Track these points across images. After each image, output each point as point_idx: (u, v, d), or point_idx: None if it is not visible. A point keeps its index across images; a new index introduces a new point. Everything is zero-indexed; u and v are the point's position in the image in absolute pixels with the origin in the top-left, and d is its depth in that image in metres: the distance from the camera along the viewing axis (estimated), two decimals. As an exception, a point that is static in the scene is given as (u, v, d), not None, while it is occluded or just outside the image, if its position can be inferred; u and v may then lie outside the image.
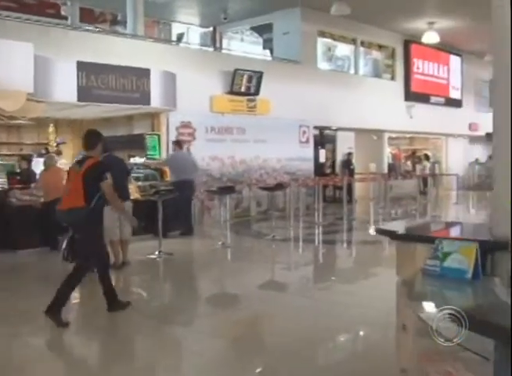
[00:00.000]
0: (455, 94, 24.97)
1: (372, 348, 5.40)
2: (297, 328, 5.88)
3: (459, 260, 2.87)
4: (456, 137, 26.08)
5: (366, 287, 8.08)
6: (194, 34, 21.03)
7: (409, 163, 24.89)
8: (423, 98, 22.70)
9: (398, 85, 22.05)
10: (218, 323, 6.36)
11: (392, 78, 22.12)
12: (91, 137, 6.50)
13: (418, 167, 23.66)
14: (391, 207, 18.04)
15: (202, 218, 14.45)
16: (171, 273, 9.28)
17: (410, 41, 21.95)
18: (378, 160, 21.89)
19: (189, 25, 20.58)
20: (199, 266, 10.02)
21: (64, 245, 7.90)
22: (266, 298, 7.39)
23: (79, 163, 6.32)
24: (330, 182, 17.78)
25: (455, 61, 24.84)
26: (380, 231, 3.78)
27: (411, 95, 22.17)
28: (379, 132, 21.70)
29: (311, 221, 14.67)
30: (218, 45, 20.07)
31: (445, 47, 23.18)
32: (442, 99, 23.88)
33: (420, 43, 21.13)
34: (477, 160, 27.21)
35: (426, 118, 22.16)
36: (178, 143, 12.77)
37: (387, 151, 23.24)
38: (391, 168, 22.67)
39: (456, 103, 24.86)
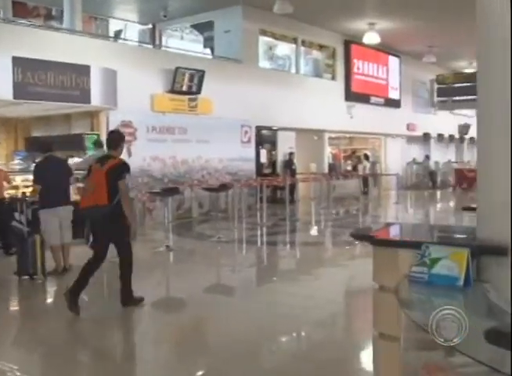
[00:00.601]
0: (393, 94, 25.35)
1: (317, 349, 5.46)
2: (241, 330, 5.92)
3: (448, 266, 2.70)
4: (395, 137, 26.46)
5: (310, 288, 8.07)
6: (132, 31, 20.55)
7: (349, 162, 25.05)
8: (363, 98, 22.92)
9: (339, 85, 22.16)
10: (162, 328, 6.32)
11: (333, 78, 22.22)
12: (115, 137, 6.77)
13: (360, 167, 23.82)
14: (334, 207, 18.06)
15: (143, 219, 14.09)
16: (115, 278, 8.89)
17: (350, 42, 22.12)
18: (319, 160, 21.91)
19: (127, 21, 20.12)
20: (143, 270, 9.61)
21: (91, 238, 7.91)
22: (212, 301, 7.38)
23: (100, 161, 6.52)
24: (274, 183, 17.64)
25: (393, 62, 25.22)
26: (357, 236, 3.58)
27: (351, 96, 22.35)
28: (319, 132, 21.73)
29: (255, 222, 14.52)
30: (157, 42, 19.69)
31: (384, 48, 23.44)
32: (382, 100, 24.19)
33: (360, 43, 21.31)
34: (414, 159, 27.74)
35: (366, 118, 22.38)
36: (97, 143, 12.21)
37: (328, 151, 23.33)
38: (332, 167, 22.76)
39: (394, 104, 25.24)
